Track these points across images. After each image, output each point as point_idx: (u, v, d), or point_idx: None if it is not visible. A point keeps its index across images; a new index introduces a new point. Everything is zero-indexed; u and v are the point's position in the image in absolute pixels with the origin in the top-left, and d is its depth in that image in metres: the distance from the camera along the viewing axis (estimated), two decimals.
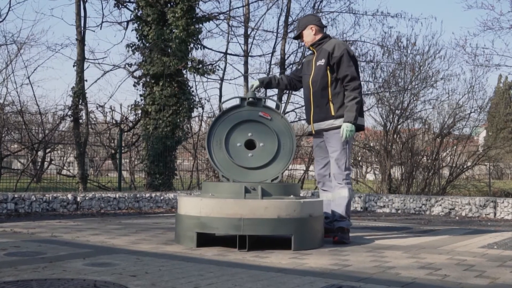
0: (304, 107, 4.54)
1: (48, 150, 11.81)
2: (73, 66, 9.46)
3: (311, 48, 4.35)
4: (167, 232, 4.50)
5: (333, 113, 4.13)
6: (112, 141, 11.73)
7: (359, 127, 4.21)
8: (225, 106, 4.34)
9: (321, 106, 4.18)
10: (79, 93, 9.18)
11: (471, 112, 11.28)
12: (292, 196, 3.76)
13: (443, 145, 11.06)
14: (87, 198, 7.54)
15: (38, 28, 48.87)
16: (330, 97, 4.15)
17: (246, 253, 3.34)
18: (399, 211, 8.31)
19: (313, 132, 4.29)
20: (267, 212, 3.47)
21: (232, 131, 4.13)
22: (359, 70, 4.35)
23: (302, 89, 4.50)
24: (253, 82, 4.45)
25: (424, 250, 3.67)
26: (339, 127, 4.11)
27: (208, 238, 3.74)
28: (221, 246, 3.63)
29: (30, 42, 18.87)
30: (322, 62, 4.17)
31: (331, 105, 4.15)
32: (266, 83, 4.50)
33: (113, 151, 11.32)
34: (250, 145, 4.13)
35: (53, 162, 11.51)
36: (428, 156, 10.86)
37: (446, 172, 11.53)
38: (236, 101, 4.25)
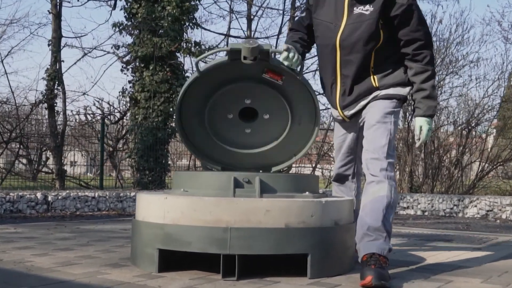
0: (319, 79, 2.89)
1: (44, 148, 10.84)
2: (48, 45, 8.23)
3: None
4: (129, 244, 3.23)
5: (376, 85, 2.60)
6: (111, 138, 10.83)
7: (404, 99, 2.67)
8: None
9: (357, 80, 2.62)
10: (53, 76, 7.93)
11: (502, 102, 10.01)
12: (307, 193, 2.44)
13: (470, 138, 9.80)
14: (60, 197, 6.42)
15: (22, 12, 47.20)
16: (372, 66, 2.58)
17: (235, 284, 2.08)
18: (426, 213, 7.15)
19: (346, 120, 2.75)
20: (269, 218, 2.20)
21: (220, 96, 2.66)
22: None
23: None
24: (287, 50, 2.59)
25: (508, 275, 2.41)
26: (384, 97, 2.59)
27: (180, 255, 2.45)
28: (197, 269, 2.35)
29: (12, 24, 17.77)
30: (369, 8, 2.49)
31: (373, 79, 2.61)
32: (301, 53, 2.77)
33: (111, 149, 10.53)
34: (247, 116, 2.72)
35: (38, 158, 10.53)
36: (456, 151, 9.59)
37: (469, 169, 10.26)
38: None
